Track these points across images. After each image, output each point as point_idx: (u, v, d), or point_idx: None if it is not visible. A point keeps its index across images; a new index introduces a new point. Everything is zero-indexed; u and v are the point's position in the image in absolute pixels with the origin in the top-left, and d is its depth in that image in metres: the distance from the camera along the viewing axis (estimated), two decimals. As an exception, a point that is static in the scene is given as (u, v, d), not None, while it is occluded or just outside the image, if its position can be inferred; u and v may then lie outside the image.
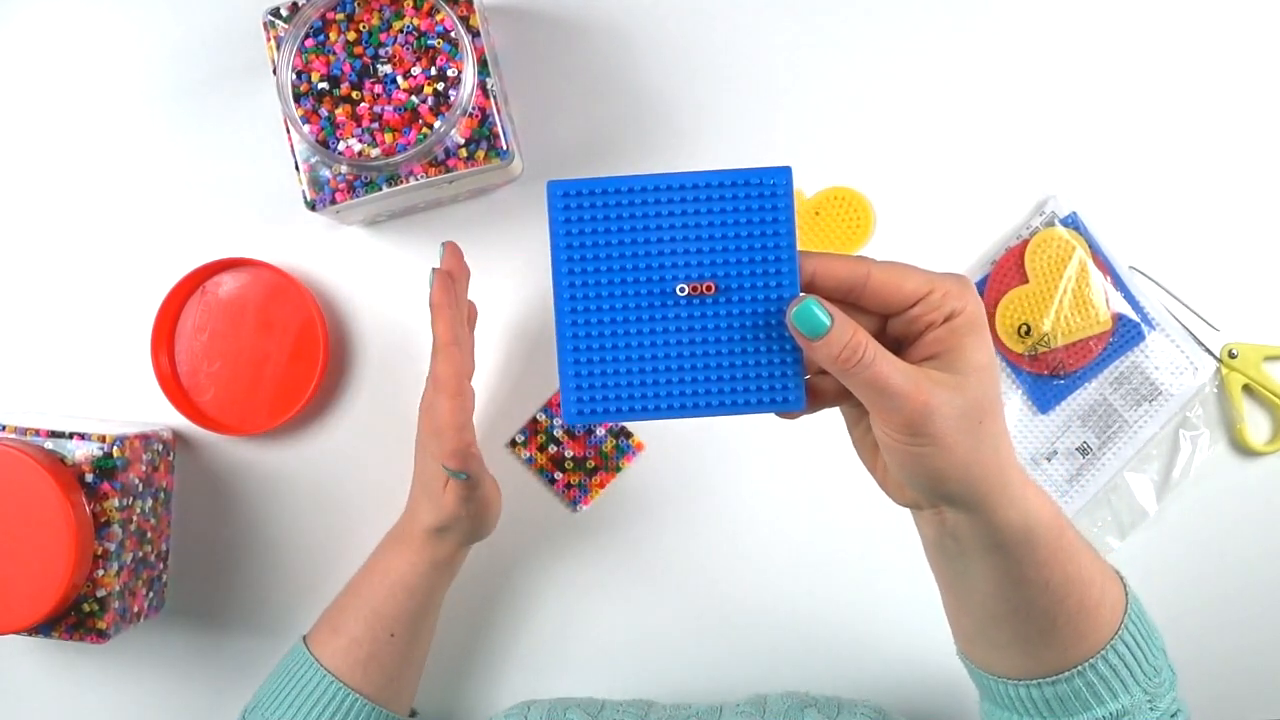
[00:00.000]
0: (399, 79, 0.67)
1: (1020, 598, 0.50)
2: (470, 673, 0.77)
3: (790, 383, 0.47)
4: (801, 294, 0.46)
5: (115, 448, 0.69)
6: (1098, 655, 0.51)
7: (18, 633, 0.68)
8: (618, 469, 0.77)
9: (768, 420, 0.77)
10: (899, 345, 0.47)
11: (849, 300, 0.47)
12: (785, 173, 0.46)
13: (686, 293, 0.46)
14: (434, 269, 0.63)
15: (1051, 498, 0.50)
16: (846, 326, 0.44)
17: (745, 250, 0.46)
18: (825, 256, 0.47)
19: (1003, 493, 0.47)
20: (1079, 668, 0.51)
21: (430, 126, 0.67)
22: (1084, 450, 0.76)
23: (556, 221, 0.46)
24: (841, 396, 0.49)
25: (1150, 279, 0.76)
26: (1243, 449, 0.76)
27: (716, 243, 0.46)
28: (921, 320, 0.46)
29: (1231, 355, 0.75)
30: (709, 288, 0.46)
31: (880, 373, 0.44)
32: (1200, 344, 0.75)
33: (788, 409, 0.47)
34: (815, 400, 0.49)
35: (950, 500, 0.47)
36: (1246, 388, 0.76)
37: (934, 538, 0.51)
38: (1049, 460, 0.76)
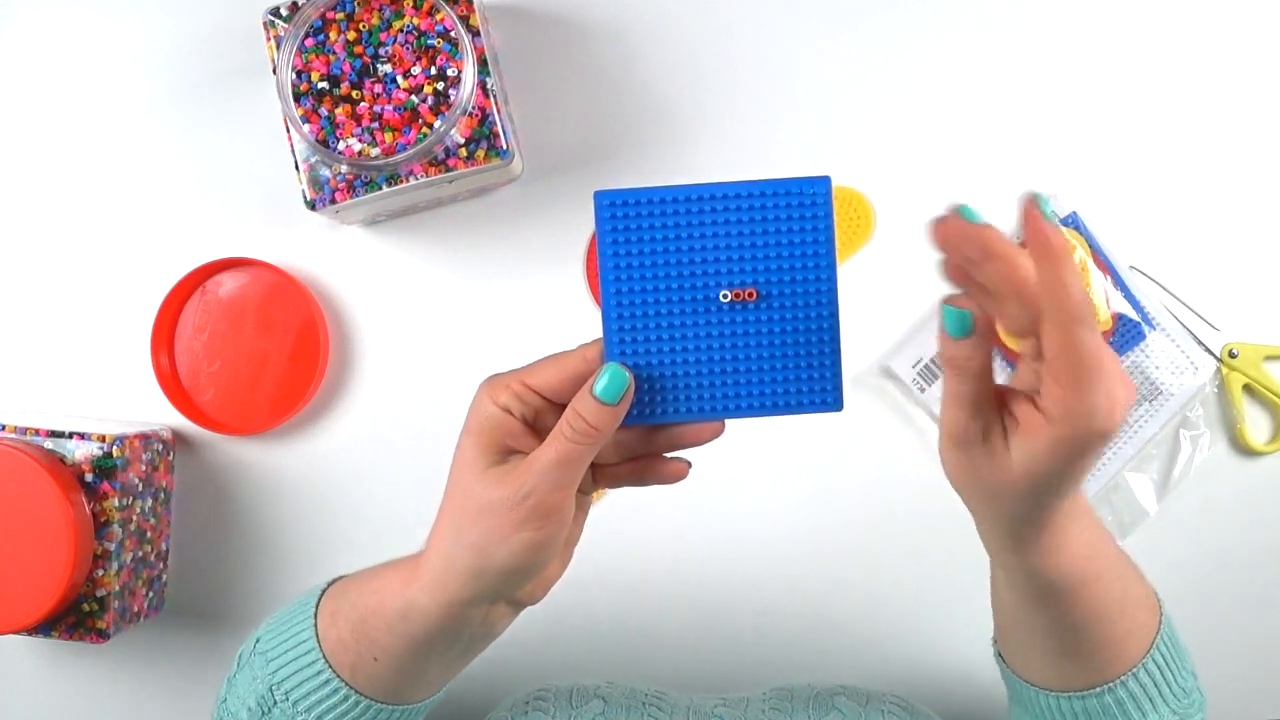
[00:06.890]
0: (399, 78, 0.67)
1: (1043, 620, 0.51)
2: (472, 672, 0.77)
3: (829, 384, 0.48)
4: (953, 295, 0.44)
5: (115, 447, 0.69)
6: (1127, 674, 0.52)
7: (18, 632, 0.68)
8: (618, 469, 0.77)
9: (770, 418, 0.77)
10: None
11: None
12: (825, 182, 0.47)
13: (729, 299, 0.47)
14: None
15: (1098, 523, 0.50)
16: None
17: (786, 257, 0.47)
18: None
19: (1049, 539, 0.47)
20: (1109, 684, 0.52)
21: (430, 126, 0.67)
22: (1084, 450, 0.76)
23: (604, 230, 0.47)
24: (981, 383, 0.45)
25: (1150, 279, 0.76)
26: (1243, 449, 0.76)
27: (758, 250, 0.47)
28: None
29: (1232, 355, 0.75)
30: (750, 294, 0.47)
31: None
32: (1200, 344, 0.75)
33: (826, 410, 0.48)
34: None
35: (1015, 511, 0.46)
36: (1247, 387, 0.76)
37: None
38: (1049, 460, 0.76)
